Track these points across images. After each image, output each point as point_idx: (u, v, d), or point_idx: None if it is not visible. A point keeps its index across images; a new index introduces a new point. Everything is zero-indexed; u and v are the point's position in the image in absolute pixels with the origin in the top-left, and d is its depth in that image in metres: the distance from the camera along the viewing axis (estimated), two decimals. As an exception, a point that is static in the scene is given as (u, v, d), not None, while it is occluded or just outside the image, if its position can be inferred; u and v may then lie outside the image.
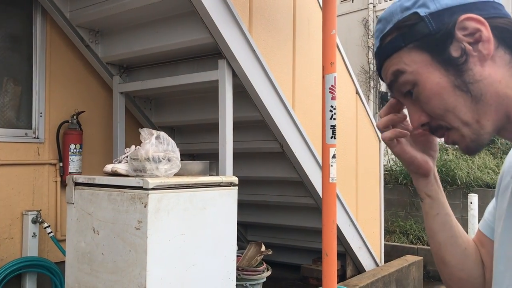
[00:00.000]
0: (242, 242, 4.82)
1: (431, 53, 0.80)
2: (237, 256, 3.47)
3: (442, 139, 0.88)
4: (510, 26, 0.80)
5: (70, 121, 3.72)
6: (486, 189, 6.67)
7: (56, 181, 3.71)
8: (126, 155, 2.56)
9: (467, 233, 5.44)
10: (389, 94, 0.93)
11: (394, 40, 0.84)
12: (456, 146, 0.86)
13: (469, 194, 6.34)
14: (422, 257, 5.29)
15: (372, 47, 8.41)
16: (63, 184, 3.59)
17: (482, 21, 0.78)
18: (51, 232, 3.48)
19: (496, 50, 0.78)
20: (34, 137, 3.63)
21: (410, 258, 5.13)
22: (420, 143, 0.95)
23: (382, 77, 0.91)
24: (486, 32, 0.78)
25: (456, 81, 0.79)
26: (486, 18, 0.78)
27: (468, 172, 7.09)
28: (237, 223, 2.74)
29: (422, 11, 0.80)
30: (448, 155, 7.70)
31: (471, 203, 6.21)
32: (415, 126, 0.87)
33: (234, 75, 3.17)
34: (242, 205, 3.16)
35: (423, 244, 6.41)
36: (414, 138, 0.95)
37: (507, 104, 0.78)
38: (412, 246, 5.99)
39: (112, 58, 3.77)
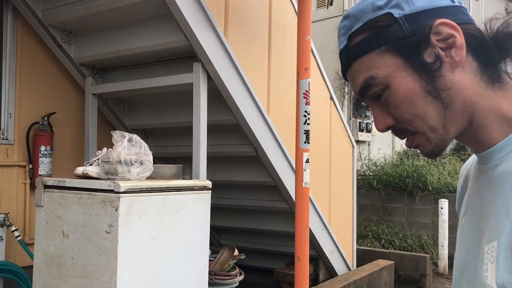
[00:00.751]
0: (215, 246, 4.80)
1: (405, 57, 0.79)
2: (210, 260, 3.45)
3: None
4: (478, 33, 0.80)
5: (40, 122, 3.65)
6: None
7: (25, 183, 3.63)
8: (97, 157, 2.52)
9: (438, 238, 5.51)
10: (352, 94, 0.92)
11: (365, 40, 0.81)
12: (417, 150, 0.85)
13: (439, 200, 6.47)
14: (393, 262, 5.36)
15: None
16: (33, 187, 3.50)
17: (456, 27, 0.77)
18: (19, 235, 3.40)
19: (466, 57, 0.78)
20: (3, 138, 3.54)
21: (382, 263, 5.19)
22: None
23: (347, 78, 0.88)
24: (460, 38, 0.77)
25: (428, 86, 0.78)
26: (458, 24, 0.78)
27: (439, 178, 7.23)
28: (211, 227, 2.73)
29: (396, 13, 0.78)
30: (420, 161, 7.84)
31: (441, 208, 6.33)
32: (380, 129, 0.85)
33: (209, 78, 3.16)
34: (215, 209, 3.15)
35: (394, 249, 6.50)
36: None
37: (471, 111, 0.80)
38: (384, 250, 6.06)
39: (85, 59, 3.72)
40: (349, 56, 0.84)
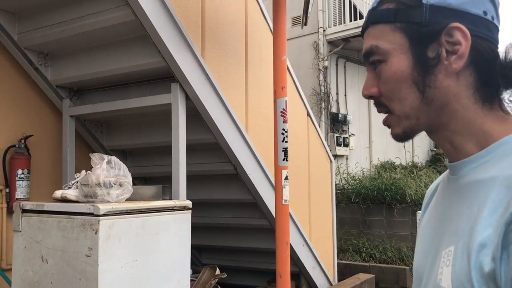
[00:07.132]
0: (196, 266, 4.77)
1: (412, 42, 0.82)
2: (191, 280, 3.44)
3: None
4: (490, 55, 0.81)
5: (17, 146, 3.61)
6: (433, 206, 6.90)
7: (1, 208, 3.56)
8: (76, 180, 2.51)
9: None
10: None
11: (388, 11, 0.84)
12: (389, 129, 0.89)
13: (417, 212, 6.56)
14: (374, 275, 5.41)
15: (322, 70, 8.63)
16: (10, 211, 3.45)
17: (468, 37, 0.79)
18: (-5, 261, 3.34)
19: (465, 69, 0.80)
20: (-22, 163, 3.49)
21: (363, 277, 5.23)
22: None
23: (363, 35, 0.91)
24: (465, 49, 0.79)
25: (417, 78, 0.82)
26: (474, 35, 0.79)
27: (416, 190, 7.33)
28: (192, 247, 2.73)
29: None
30: (397, 174, 7.96)
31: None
32: (364, 95, 0.89)
33: (187, 98, 3.18)
34: (196, 228, 3.14)
35: (375, 262, 6.55)
36: None
37: (451, 116, 0.82)
38: (364, 264, 6.10)
39: (62, 81, 3.71)
40: (370, 18, 0.88)
